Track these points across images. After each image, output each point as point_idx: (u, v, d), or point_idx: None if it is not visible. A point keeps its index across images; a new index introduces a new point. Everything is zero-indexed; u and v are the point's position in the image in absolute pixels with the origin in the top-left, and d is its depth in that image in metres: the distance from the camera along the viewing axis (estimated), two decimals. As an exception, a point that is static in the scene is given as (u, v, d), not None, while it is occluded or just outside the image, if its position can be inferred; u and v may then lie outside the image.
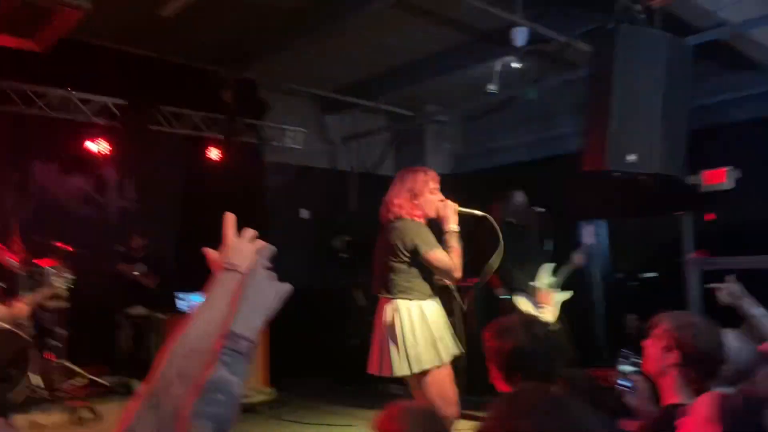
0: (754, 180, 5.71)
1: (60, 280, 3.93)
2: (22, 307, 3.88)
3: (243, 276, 1.30)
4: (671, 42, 4.23)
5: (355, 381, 6.44)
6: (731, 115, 6.12)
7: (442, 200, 3.32)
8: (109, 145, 6.19)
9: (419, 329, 3.18)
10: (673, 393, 2.06)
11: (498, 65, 6.67)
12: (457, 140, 8.71)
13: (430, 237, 3.23)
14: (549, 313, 5.07)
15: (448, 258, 3.18)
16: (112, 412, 5.00)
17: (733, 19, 4.94)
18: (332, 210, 8.09)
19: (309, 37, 6.05)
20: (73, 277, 3.99)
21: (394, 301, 3.23)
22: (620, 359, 2.34)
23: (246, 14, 5.68)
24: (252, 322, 1.22)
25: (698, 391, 1.99)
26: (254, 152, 7.35)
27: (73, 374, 5.28)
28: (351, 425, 5.27)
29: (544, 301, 5.07)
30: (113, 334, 6.05)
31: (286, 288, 1.29)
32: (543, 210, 4.78)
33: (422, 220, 3.30)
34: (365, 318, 6.74)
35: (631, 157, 4.09)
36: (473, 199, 4.73)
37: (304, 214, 7.96)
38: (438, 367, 3.18)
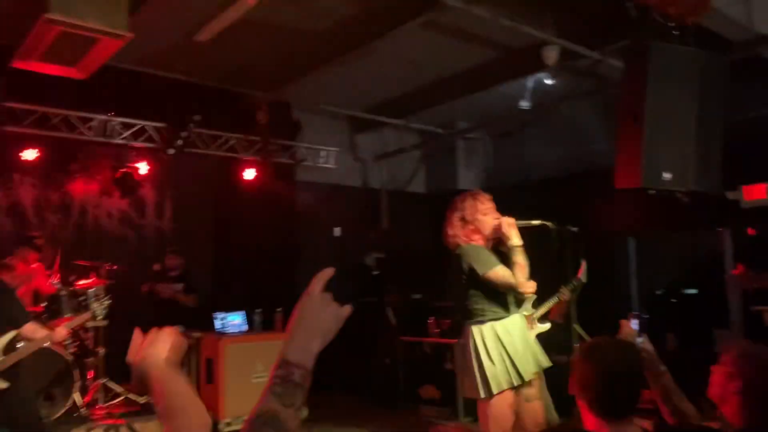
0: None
1: (98, 306, 4.03)
2: (61, 330, 3.99)
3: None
4: (705, 58, 4.17)
5: (386, 401, 6.44)
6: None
7: (497, 218, 3.35)
8: (148, 167, 6.34)
9: (494, 351, 3.23)
10: (734, 420, 2.06)
11: (530, 81, 6.69)
12: (488, 156, 8.69)
13: (487, 256, 3.28)
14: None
15: (510, 274, 3.23)
16: (149, 430, 5.09)
17: (769, 32, 4.85)
18: (364, 228, 8.14)
19: (340, 58, 6.14)
20: (110, 302, 4.07)
21: (470, 326, 3.32)
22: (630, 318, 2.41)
23: (278, 38, 5.79)
24: (307, 347, 1.17)
25: (760, 422, 1.97)
26: (288, 172, 7.46)
27: (112, 393, 5.38)
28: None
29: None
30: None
31: (345, 311, 1.24)
32: (575, 229, 4.67)
33: (482, 243, 3.35)
34: (396, 337, 6.79)
35: (666, 176, 4.03)
36: (505, 215, 4.72)
37: (337, 232, 8.02)
38: (515, 387, 3.21)
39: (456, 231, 3.36)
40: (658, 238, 8.18)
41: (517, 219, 3.35)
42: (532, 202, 7.41)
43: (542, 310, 4.47)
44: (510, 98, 7.03)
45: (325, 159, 7.66)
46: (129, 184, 6.38)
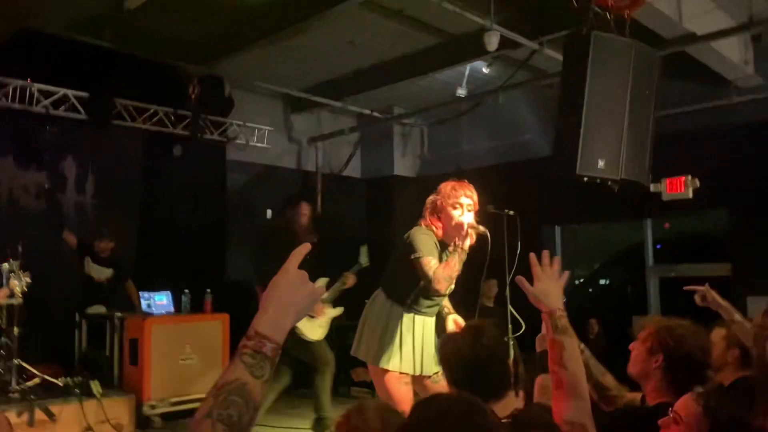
0: (710, 190, 5.87)
1: (17, 283, 3.77)
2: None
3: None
4: (641, 51, 4.31)
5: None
6: (693, 124, 6.28)
7: (461, 216, 3.28)
8: (69, 138, 5.98)
9: (407, 336, 3.29)
10: (657, 395, 2.09)
11: (467, 69, 6.75)
12: (423, 143, 8.73)
13: (431, 246, 3.22)
14: (318, 327, 5.16)
15: (436, 269, 3.13)
16: (68, 412, 4.85)
17: (697, 30, 5.07)
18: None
19: (278, 35, 5.99)
20: (30, 281, 3.82)
21: (393, 305, 3.34)
22: None
23: (214, 9, 5.57)
24: (280, 322, 1.18)
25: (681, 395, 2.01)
26: (219, 150, 7.22)
27: (27, 374, 5.08)
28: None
29: (318, 314, 5.14)
30: (71, 333, 5.86)
31: (320, 290, 1.27)
32: (512, 212, 4.73)
33: (440, 233, 3.30)
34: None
35: (601, 163, 4.15)
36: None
37: (269, 214, 7.87)
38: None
39: (426, 213, 3.35)
40: (583, 228, 8.48)
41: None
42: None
43: (330, 294, 5.20)
44: (447, 86, 7.09)
45: (258, 138, 7.47)
46: (47, 155, 6.01)
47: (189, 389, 5.32)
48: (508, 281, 4.59)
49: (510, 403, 2.02)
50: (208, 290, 5.80)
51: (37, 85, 5.83)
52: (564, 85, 4.44)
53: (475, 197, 3.38)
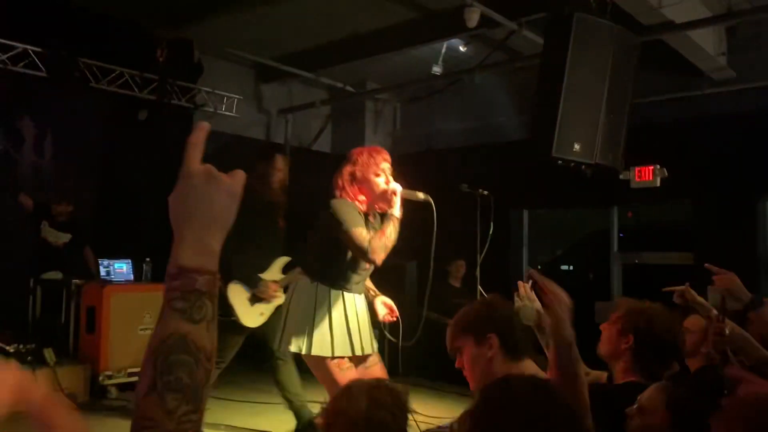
0: (677, 180, 5.94)
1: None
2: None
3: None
4: (621, 35, 4.30)
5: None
6: (664, 114, 6.33)
7: (387, 182, 3.08)
8: (27, 96, 5.72)
9: (337, 318, 3.07)
10: (626, 376, 2.09)
11: (443, 47, 6.66)
12: (396, 121, 8.64)
13: (356, 215, 3.01)
14: (258, 315, 4.30)
15: (368, 238, 2.94)
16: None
17: (675, 18, 5.07)
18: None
19: (249, 2, 5.81)
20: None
21: (318, 285, 3.09)
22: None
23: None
24: (205, 245, 0.91)
25: (652, 376, 2.01)
26: (186, 117, 7.00)
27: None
28: (276, 403, 5.13)
29: (266, 296, 4.25)
30: (24, 299, 5.65)
31: (238, 179, 0.96)
32: (486, 192, 4.68)
33: (364, 204, 3.09)
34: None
35: (576, 146, 4.14)
36: (408, 182, 4.66)
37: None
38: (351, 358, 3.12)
39: (344, 184, 3.10)
40: (547, 213, 8.54)
41: (405, 189, 3.11)
42: (437, 171, 7.49)
43: (287, 278, 4.29)
44: (423, 63, 6.99)
45: (227, 107, 7.27)
46: (4, 113, 5.74)
47: (147, 360, 5.19)
48: (479, 261, 4.58)
49: None
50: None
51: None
52: (543, 66, 4.41)
53: (391, 163, 3.21)
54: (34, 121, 6.08)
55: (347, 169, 3.12)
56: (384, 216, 3.05)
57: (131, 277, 5.61)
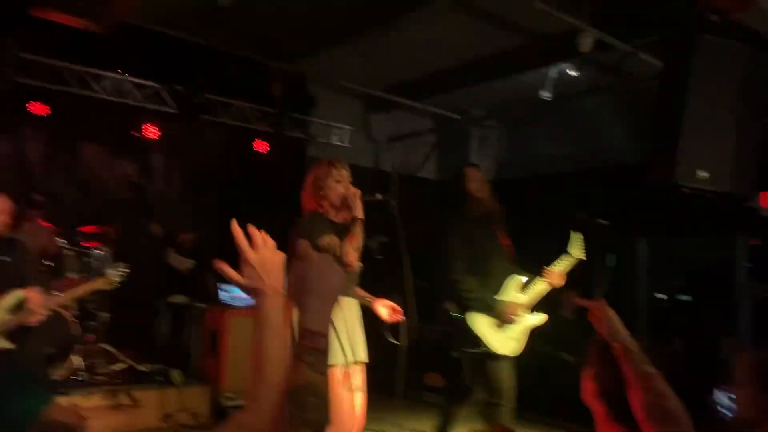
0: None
1: (114, 272, 3.88)
2: (74, 292, 3.84)
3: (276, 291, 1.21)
4: (750, 55, 4.08)
5: (388, 387, 6.33)
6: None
7: (346, 188, 3.21)
8: (158, 131, 6.18)
9: None
10: None
11: (553, 72, 6.56)
12: (502, 146, 8.57)
13: (319, 225, 3.09)
14: (511, 340, 3.81)
15: (337, 243, 3.01)
16: (148, 398, 4.98)
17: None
18: (371, 210, 7.99)
19: (362, 34, 5.99)
20: (128, 270, 3.93)
21: None
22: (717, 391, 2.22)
23: (301, 8, 5.62)
24: (324, 313, 1.16)
25: None
26: (300, 148, 7.30)
27: (113, 359, 5.26)
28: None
29: (509, 320, 3.78)
30: (153, 321, 6.04)
31: (339, 276, 1.22)
32: (605, 222, 4.47)
33: (330, 211, 3.20)
34: (401, 322, 6.66)
35: (703, 174, 3.94)
36: (515, 207, 4.56)
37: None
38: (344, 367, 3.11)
39: (308, 195, 3.24)
40: (668, 240, 8.11)
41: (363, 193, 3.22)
42: (544, 196, 7.35)
43: (529, 295, 3.76)
44: (528, 87, 6.91)
45: (338, 137, 7.51)
46: (138, 146, 6.22)
47: (265, 383, 5.36)
48: (597, 293, 4.34)
49: None
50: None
51: (130, 79, 6.04)
52: (663, 89, 4.25)
53: (349, 173, 3.31)
54: (164, 154, 6.53)
55: (309, 181, 3.25)
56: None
57: (252, 302, 5.84)
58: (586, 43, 4.93)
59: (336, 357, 3.00)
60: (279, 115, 6.82)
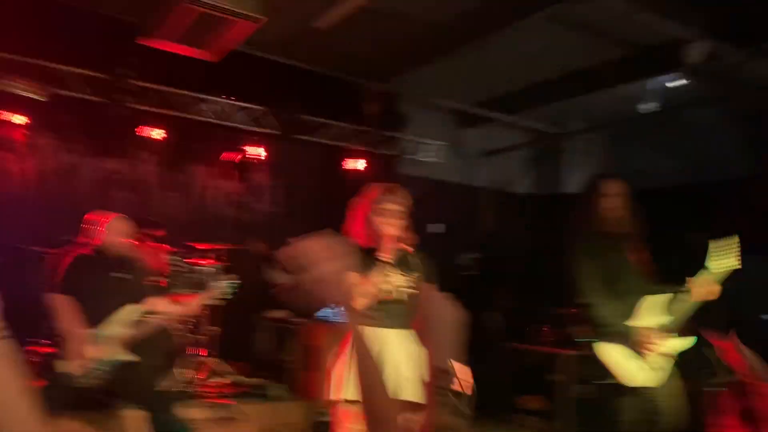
0: None
1: (228, 285, 4.05)
2: (194, 305, 4.03)
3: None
4: None
5: (489, 409, 6.21)
6: None
7: (387, 224, 2.91)
8: (264, 152, 6.44)
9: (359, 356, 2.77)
10: None
11: (656, 83, 6.32)
12: (599, 160, 8.32)
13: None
14: (648, 370, 3.34)
15: (360, 284, 2.76)
16: (252, 411, 5.10)
17: None
18: (464, 227, 7.96)
19: (456, 51, 6.00)
20: (240, 283, 4.09)
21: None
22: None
23: (396, 28, 5.70)
24: (449, 353, 1.15)
25: None
26: (393, 164, 7.38)
27: (222, 372, 5.45)
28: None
29: (648, 348, 3.32)
30: (253, 335, 6.23)
31: (461, 315, 1.22)
32: (709, 236, 4.15)
33: (363, 238, 2.95)
34: (502, 343, 6.54)
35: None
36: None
37: (437, 228, 7.87)
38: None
39: (349, 221, 3.04)
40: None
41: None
42: (648, 211, 7.04)
43: (675, 316, 3.32)
44: (629, 99, 6.68)
45: (429, 153, 7.54)
46: (246, 167, 6.50)
47: (363, 398, 5.39)
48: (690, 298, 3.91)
49: None
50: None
51: (237, 103, 6.32)
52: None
53: (407, 204, 2.96)
54: (267, 173, 6.78)
55: (357, 203, 3.04)
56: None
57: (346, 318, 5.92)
58: (693, 54, 4.71)
59: (352, 390, 2.69)
60: (373, 133, 6.93)
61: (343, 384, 2.71)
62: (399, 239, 2.88)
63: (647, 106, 6.37)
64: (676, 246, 4.21)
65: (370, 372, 2.65)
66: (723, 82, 6.02)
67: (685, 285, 3.33)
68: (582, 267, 3.43)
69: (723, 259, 3.40)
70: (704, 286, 3.31)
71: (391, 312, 2.80)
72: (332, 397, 2.76)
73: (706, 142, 7.00)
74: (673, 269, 3.73)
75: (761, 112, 5.76)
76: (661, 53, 5.45)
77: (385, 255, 2.83)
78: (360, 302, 2.77)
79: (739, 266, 3.40)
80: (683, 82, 5.97)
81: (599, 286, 3.39)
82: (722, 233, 4.16)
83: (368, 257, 2.86)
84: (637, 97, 6.57)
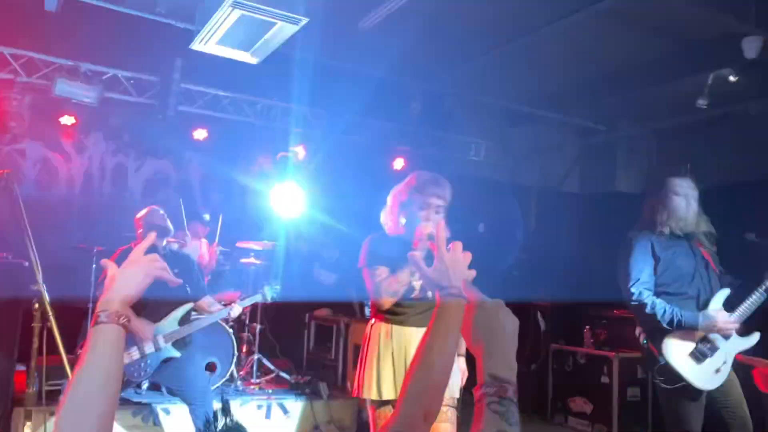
0: None
1: (269, 290, 4.12)
2: (237, 307, 4.10)
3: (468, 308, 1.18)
4: None
5: (533, 410, 6.15)
6: None
7: (427, 219, 2.76)
8: (306, 151, 6.47)
9: (387, 353, 2.70)
10: None
11: (710, 78, 6.10)
12: (651, 157, 8.08)
13: (384, 249, 2.68)
14: (714, 372, 3.17)
15: (387, 280, 2.62)
16: (298, 409, 5.16)
17: None
18: (511, 226, 7.84)
19: (502, 49, 5.90)
20: (280, 286, 4.16)
21: (372, 320, 2.86)
22: None
23: (440, 26, 5.64)
24: (509, 362, 1.10)
25: None
26: (437, 163, 7.32)
27: (264, 368, 5.53)
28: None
29: (721, 329, 3.16)
30: (301, 333, 6.30)
31: (516, 321, 1.16)
32: (754, 236, 3.97)
33: (400, 230, 2.77)
34: (546, 343, 6.45)
35: None
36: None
37: (481, 228, 7.80)
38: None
39: (388, 213, 2.83)
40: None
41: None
42: (703, 209, 6.79)
43: (741, 311, 3.17)
44: (681, 94, 6.47)
45: (475, 152, 7.46)
46: (288, 167, 6.55)
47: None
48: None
49: None
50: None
51: (279, 103, 6.38)
52: None
53: (448, 200, 2.83)
54: (309, 173, 6.83)
55: (397, 192, 2.86)
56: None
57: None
58: (751, 48, 4.52)
59: (388, 390, 2.63)
60: (417, 133, 6.89)
61: (376, 382, 2.64)
62: (432, 235, 2.64)
63: (702, 102, 6.15)
64: (738, 246, 4.04)
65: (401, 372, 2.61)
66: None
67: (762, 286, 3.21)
68: (638, 265, 3.31)
69: None
70: None
71: (417, 310, 2.73)
72: (366, 395, 2.69)
73: (763, 140, 6.72)
74: (735, 270, 3.61)
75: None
76: (716, 48, 5.25)
77: (417, 249, 2.62)
78: (387, 300, 2.66)
79: None
80: (736, 77, 5.73)
81: (654, 283, 3.28)
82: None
83: (398, 249, 2.65)
84: (692, 91, 6.35)
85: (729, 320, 3.17)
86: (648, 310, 3.20)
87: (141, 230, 3.88)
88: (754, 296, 3.24)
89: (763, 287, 3.23)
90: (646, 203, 3.53)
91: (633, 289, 3.27)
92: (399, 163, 7.10)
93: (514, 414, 1.05)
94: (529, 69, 6.47)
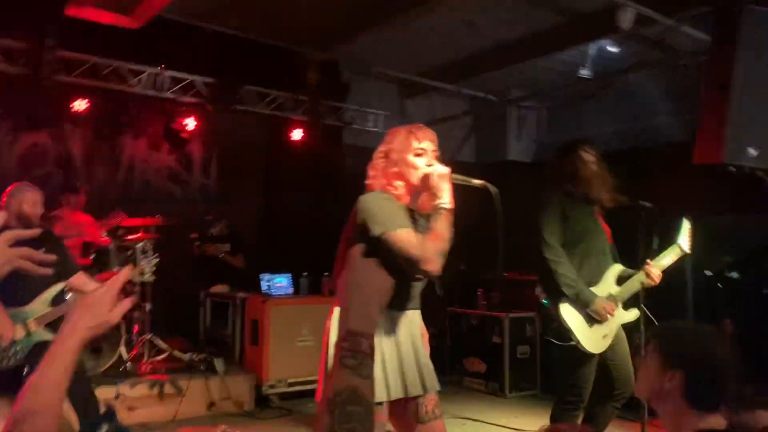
0: None
1: (146, 264, 3.95)
2: (115, 283, 3.90)
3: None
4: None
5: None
6: None
7: (430, 164, 2.41)
8: (196, 123, 6.24)
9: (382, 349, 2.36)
10: None
11: (593, 49, 6.37)
12: (541, 127, 8.40)
13: (393, 211, 2.25)
14: (601, 337, 3.44)
15: (418, 242, 2.15)
16: (193, 387, 5.06)
17: None
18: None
19: (396, 18, 5.90)
20: (158, 260, 4.00)
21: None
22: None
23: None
24: (368, 314, 1.15)
25: None
26: (335, 135, 7.29)
27: (156, 348, 5.37)
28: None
29: (602, 316, 3.40)
30: (196, 310, 6.14)
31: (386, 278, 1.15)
32: (648, 204, 4.27)
33: (404, 194, 2.40)
34: (443, 308, 6.63)
35: (752, 152, 3.77)
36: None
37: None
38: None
39: (377, 171, 2.44)
40: (713, 220, 7.82)
41: (455, 173, 2.44)
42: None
43: (622, 290, 3.49)
44: (568, 66, 6.74)
45: (373, 123, 7.47)
46: (177, 139, 6.30)
47: (306, 371, 5.41)
48: (643, 279, 4.12)
49: None
50: (326, 273, 5.86)
51: (168, 72, 6.08)
52: (710, 64, 4.07)
53: (436, 143, 2.51)
54: (202, 145, 6.61)
55: (380, 150, 2.51)
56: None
57: (291, 290, 5.89)
58: (625, 19, 4.75)
59: (379, 392, 1.94)
60: (314, 103, 6.80)
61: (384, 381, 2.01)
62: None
63: (584, 72, 6.42)
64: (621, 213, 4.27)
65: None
66: (657, 48, 6.09)
67: (645, 264, 3.51)
68: (550, 226, 3.47)
69: (689, 240, 3.65)
70: (658, 272, 3.52)
71: (417, 290, 2.35)
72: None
73: (644, 108, 7.12)
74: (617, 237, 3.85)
75: (691, 79, 5.86)
76: (594, 20, 5.48)
77: (439, 203, 2.32)
78: (436, 265, 2.18)
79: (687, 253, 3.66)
80: (617, 48, 6.02)
81: (563, 246, 3.46)
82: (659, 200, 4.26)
83: (399, 209, 2.30)
84: (575, 63, 6.62)
85: (611, 311, 3.43)
86: (553, 270, 3.39)
87: (12, 205, 3.63)
88: (633, 282, 3.53)
89: (642, 273, 3.53)
90: (554, 168, 3.68)
91: (546, 252, 3.43)
92: (297, 134, 6.99)
93: (368, 366, 1.08)
94: (423, 40, 6.52)
